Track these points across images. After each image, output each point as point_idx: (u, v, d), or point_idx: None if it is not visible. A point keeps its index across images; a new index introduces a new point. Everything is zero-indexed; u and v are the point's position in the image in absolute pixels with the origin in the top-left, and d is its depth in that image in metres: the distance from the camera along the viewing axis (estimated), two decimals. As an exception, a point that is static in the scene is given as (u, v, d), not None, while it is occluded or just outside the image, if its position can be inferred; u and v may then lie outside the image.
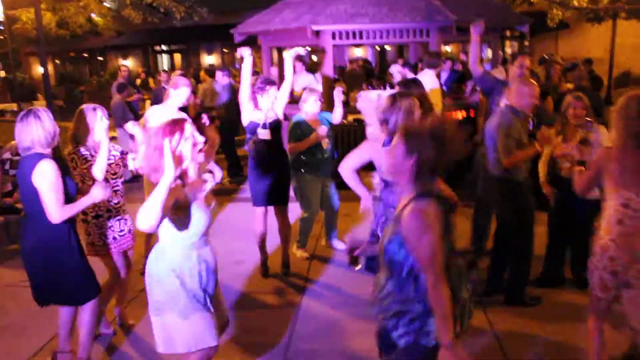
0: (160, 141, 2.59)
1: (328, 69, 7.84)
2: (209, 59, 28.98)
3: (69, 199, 3.27)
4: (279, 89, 4.87)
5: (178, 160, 2.60)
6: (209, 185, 2.90)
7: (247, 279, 5.07)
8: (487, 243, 5.06)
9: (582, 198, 3.64)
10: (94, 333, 3.71)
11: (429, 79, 5.92)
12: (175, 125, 2.70)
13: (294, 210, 5.47)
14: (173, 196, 2.52)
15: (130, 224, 4.02)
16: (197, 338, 2.79)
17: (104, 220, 3.86)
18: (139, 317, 4.22)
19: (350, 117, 7.56)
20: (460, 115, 7.68)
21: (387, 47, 22.24)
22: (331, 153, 5.36)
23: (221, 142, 9.19)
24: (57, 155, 3.40)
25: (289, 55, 4.91)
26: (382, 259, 2.43)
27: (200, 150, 2.81)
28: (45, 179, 3.14)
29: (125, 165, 3.98)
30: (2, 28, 22.13)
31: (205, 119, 3.97)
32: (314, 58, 13.19)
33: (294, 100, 8.74)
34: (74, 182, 3.46)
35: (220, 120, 8.70)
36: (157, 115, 4.71)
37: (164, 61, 30.71)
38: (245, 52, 4.65)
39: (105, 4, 21.30)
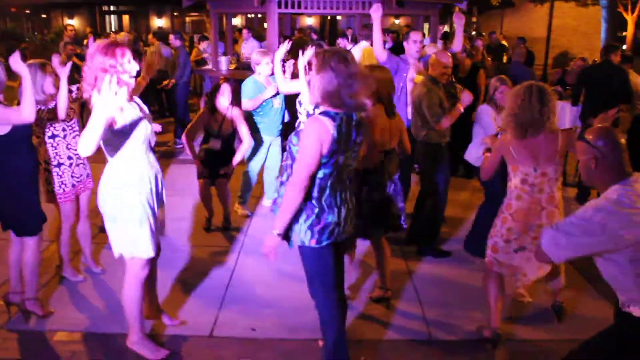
0: (99, 62, 2.90)
1: (272, 37, 8.10)
2: (158, 22, 28.52)
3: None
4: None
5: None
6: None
7: (188, 233, 5.42)
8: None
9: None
10: (37, 273, 3.88)
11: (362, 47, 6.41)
12: (113, 48, 2.97)
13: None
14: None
15: (89, 168, 4.31)
16: (146, 245, 3.21)
17: (65, 167, 4.12)
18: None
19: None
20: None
21: (339, 17, 22.51)
22: (282, 114, 5.74)
23: (172, 105, 9.45)
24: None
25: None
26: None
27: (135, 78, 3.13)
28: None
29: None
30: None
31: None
32: (265, 25, 13.36)
33: (240, 66, 9.04)
34: None
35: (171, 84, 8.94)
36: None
37: (111, 22, 30.01)
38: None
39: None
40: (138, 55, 7.67)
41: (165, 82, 9.14)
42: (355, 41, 7.95)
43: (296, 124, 4.84)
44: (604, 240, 2.24)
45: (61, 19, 27.94)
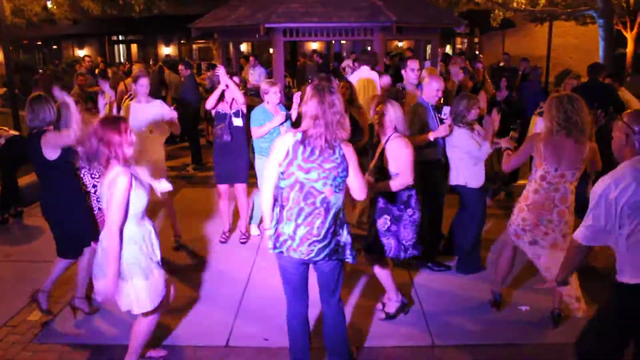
0: (101, 134, 3.14)
1: (278, 63, 8.46)
2: (166, 50, 29.12)
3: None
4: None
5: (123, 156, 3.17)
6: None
7: (204, 251, 5.69)
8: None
9: None
10: (88, 277, 4.25)
11: (363, 73, 6.74)
12: (117, 125, 3.20)
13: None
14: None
15: None
16: (158, 292, 3.39)
17: (90, 194, 4.62)
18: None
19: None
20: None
21: (343, 42, 22.97)
22: None
23: (186, 130, 9.81)
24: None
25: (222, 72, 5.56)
26: None
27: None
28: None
29: None
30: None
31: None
32: (271, 51, 13.76)
33: (250, 91, 9.37)
34: None
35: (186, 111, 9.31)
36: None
37: (120, 51, 30.65)
38: (220, 71, 5.57)
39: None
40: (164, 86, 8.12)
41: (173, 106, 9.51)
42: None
43: None
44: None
45: (72, 49, 28.61)
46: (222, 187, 5.85)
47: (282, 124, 5.62)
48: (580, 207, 3.28)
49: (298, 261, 3.22)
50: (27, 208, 6.78)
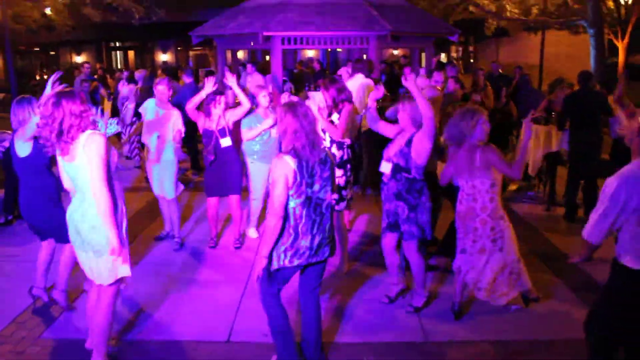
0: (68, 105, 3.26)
1: (276, 70, 8.66)
2: (163, 57, 29.30)
3: None
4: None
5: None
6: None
7: (205, 253, 5.86)
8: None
9: None
10: (69, 272, 4.50)
11: (358, 80, 6.94)
12: (76, 95, 3.35)
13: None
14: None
15: None
16: (124, 268, 3.57)
17: None
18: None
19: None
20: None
21: (339, 49, 23.23)
22: (279, 143, 6.19)
23: (186, 138, 9.96)
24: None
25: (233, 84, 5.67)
26: None
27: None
28: None
29: None
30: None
31: None
32: (268, 58, 13.97)
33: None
34: None
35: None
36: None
37: (118, 57, 30.82)
38: (208, 80, 5.62)
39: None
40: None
41: None
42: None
43: None
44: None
45: (69, 56, 28.76)
46: (212, 201, 5.84)
47: (272, 126, 5.77)
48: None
49: (301, 264, 3.45)
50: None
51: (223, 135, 5.63)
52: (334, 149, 4.95)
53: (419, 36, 9.23)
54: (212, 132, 5.62)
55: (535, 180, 8.07)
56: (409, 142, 4.23)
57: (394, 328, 4.30)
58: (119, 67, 27.89)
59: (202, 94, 5.57)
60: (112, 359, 3.76)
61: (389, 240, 4.51)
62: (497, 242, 4.15)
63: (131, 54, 30.64)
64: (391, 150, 4.36)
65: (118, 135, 10.04)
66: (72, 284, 4.65)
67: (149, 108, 5.86)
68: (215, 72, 10.75)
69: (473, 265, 4.22)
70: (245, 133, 5.83)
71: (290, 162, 3.28)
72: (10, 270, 5.34)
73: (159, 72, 12.97)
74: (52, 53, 29.21)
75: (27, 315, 4.49)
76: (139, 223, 6.61)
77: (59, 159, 3.44)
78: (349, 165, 5.03)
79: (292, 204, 3.33)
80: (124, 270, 3.58)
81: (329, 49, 21.75)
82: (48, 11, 20.73)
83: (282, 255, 3.37)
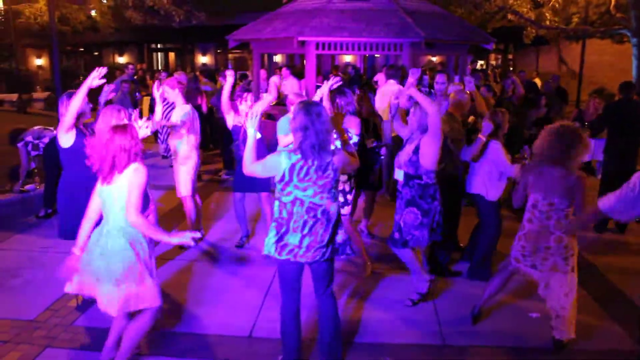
0: (120, 141, 3.35)
1: (310, 75, 8.77)
2: (203, 59, 29.81)
3: None
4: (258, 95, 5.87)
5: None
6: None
7: (230, 252, 6.01)
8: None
9: None
10: None
11: (391, 87, 7.00)
12: (127, 129, 3.42)
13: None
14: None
15: None
16: (149, 299, 3.48)
17: None
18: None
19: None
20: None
21: (376, 55, 23.27)
22: None
23: (218, 138, 10.20)
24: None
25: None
26: None
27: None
28: None
29: None
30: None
31: None
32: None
33: (281, 102, 9.72)
34: None
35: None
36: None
37: (159, 59, 31.50)
38: (228, 73, 5.85)
39: (103, 0, 22.13)
40: (199, 93, 8.71)
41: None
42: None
43: None
44: None
45: (112, 56, 29.54)
46: (237, 196, 5.97)
47: None
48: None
49: (299, 263, 3.53)
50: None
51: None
52: None
53: (453, 44, 9.22)
54: (240, 127, 5.76)
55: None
56: (416, 150, 4.31)
57: (413, 330, 4.36)
58: (159, 68, 28.52)
59: (226, 88, 5.77)
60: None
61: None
62: (568, 261, 3.98)
63: (172, 55, 31.26)
64: (401, 159, 4.45)
65: (155, 133, 10.38)
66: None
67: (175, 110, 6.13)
68: (250, 76, 10.98)
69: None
70: (282, 139, 5.94)
71: (282, 162, 3.38)
72: (47, 261, 5.59)
73: (197, 73, 13.25)
74: (96, 54, 30.05)
75: (62, 303, 4.71)
76: (173, 220, 6.84)
77: (98, 184, 3.51)
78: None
79: (283, 199, 3.45)
80: (151, 299, 3.52)
81: (366, 55, 21.80)
82: (93, 13, 21.40)
83: (273, 246, 3.48)
